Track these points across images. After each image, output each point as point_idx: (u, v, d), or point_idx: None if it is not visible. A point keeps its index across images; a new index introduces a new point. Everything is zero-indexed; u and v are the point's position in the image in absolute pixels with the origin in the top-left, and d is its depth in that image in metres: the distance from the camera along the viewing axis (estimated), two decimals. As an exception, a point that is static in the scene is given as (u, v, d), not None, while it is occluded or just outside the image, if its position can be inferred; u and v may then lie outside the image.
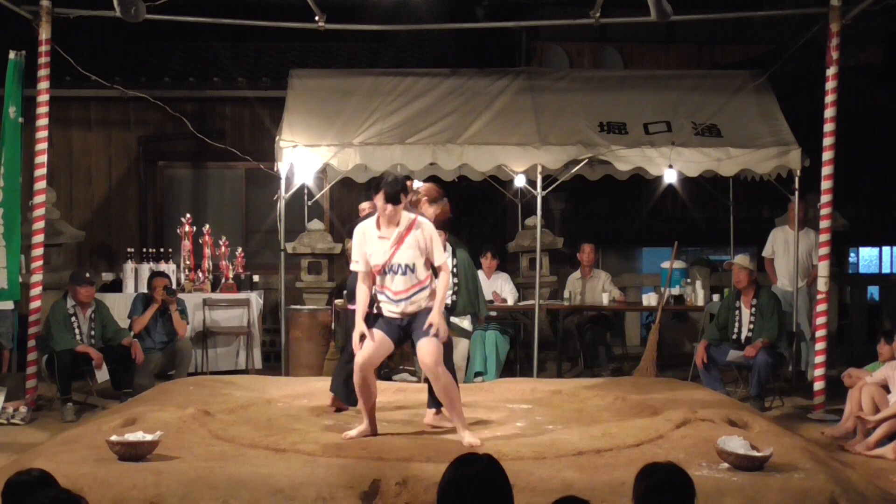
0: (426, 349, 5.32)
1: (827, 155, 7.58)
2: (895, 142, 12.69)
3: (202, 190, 11.88)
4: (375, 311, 5.46)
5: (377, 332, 5.40)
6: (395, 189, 5.29)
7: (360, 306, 5.44)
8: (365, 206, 6.75)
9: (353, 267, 5.53)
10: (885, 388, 6.52)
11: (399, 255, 5.34)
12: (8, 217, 7.68)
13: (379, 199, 5.29)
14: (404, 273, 5.36)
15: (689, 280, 9.63)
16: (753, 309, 8.03)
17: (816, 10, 7.87)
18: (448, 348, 5.72)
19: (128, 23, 7.61)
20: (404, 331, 5.48)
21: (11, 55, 7.79)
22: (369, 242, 5.40)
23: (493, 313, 9.01)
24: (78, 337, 7.71)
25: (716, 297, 9.44)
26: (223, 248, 10.05)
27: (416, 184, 6.50)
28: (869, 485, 4.95)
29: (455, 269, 6.90)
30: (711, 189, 9.67)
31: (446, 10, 11.85)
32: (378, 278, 5.41)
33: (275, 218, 8.80)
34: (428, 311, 5.38)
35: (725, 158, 8.19)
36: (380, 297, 5.44)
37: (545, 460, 4.79)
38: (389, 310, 5.42)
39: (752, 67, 9.61)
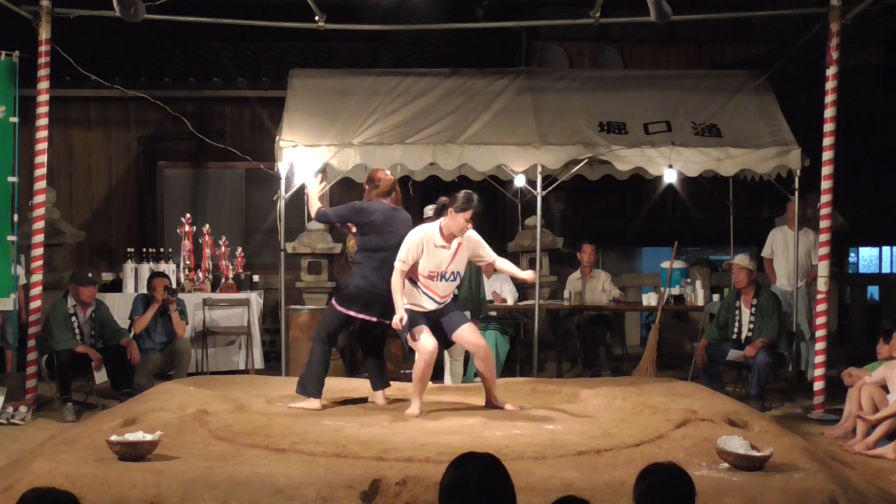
0: (473, 330, 6.23)
1: (827, 155, 7.58)
2: (895, 142, 12.69)
3: (202, 190, 11.87)
4: (411, 307, 6.06)
5: (426, 327, 6.05)
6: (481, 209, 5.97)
7: (399, 295, 5.99)
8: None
9: (399, 266, 5.99)
10: (885, 388, 6.53)
11: (454, 264, 6.07)
12: None
13: (467, 217, 5.88)
14: (453, 279, 6.12)
15: (689, 280, 9.64)
16: (753, 309, 8.04)
17: (816, 10, 7.87)
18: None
19: (128, 23, 7.60)
20: (434, 323, 6.15)
21: (2, 56, 7.78)
22: (428, 250, 6.01)
23: (493, 313, 9.01)
24: (78, 337, 7.71)
25: (716, 297, 9.44)
26: (223, 248, 10.04)
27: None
28: (869, 485, 4.95)
29: None
30: (711, 189, 9.66)
31: (446, 10, 11.84)
32: (424, 280, 6.05)
33: (275, 218, 8.79)
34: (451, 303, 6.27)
35: (725, 158, 8.18)
36: (422, 296, 6.07)
37: (545, 460, 4.78)
38: (426, 307, 6.10)
39: (752, 67, 9.60)
